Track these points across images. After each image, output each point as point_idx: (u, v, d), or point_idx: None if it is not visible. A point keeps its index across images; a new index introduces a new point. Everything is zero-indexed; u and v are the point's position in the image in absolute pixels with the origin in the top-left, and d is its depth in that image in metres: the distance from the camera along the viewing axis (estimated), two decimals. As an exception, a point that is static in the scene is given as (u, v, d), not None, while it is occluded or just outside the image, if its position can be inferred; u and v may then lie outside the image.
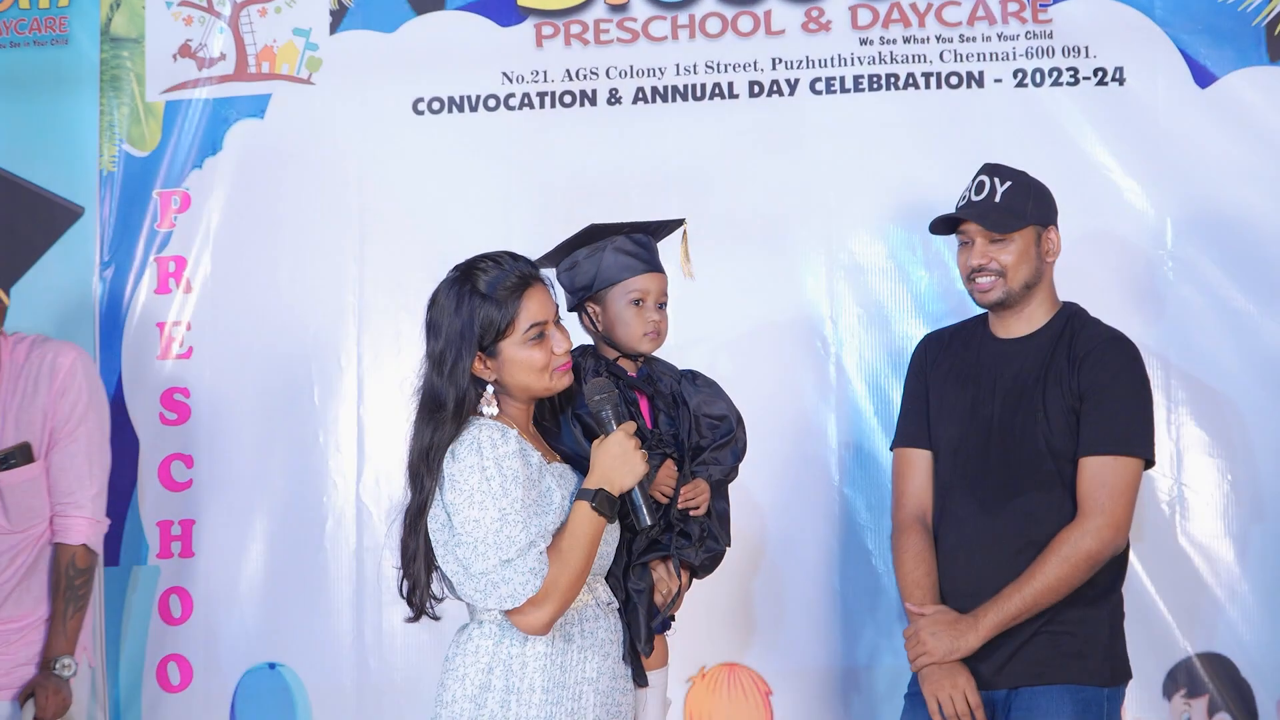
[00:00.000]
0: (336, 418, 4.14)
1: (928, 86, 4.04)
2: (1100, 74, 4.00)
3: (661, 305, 3.04)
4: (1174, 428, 3.91)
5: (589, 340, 3.18)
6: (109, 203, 4.19)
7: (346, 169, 4.15)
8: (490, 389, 2.79)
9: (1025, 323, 3.38)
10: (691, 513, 3.02)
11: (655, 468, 2.96)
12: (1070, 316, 3.39)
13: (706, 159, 4.07)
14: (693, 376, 3.13)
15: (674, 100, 4.11)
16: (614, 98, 4.12)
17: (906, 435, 3.46)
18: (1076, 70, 4.01)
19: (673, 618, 3.07)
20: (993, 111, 4.01)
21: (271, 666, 4.09)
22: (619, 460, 2.77)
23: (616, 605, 2.91)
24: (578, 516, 2.75)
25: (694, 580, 3.11)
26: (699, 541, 3.03)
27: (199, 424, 4.15)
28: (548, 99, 4.13)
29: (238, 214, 4.18)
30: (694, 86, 4.11)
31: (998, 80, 4.03)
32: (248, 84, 4.20)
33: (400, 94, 4.15)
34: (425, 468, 2.74)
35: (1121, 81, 4.00)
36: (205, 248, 4.20)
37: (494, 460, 2.70)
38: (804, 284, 4.07)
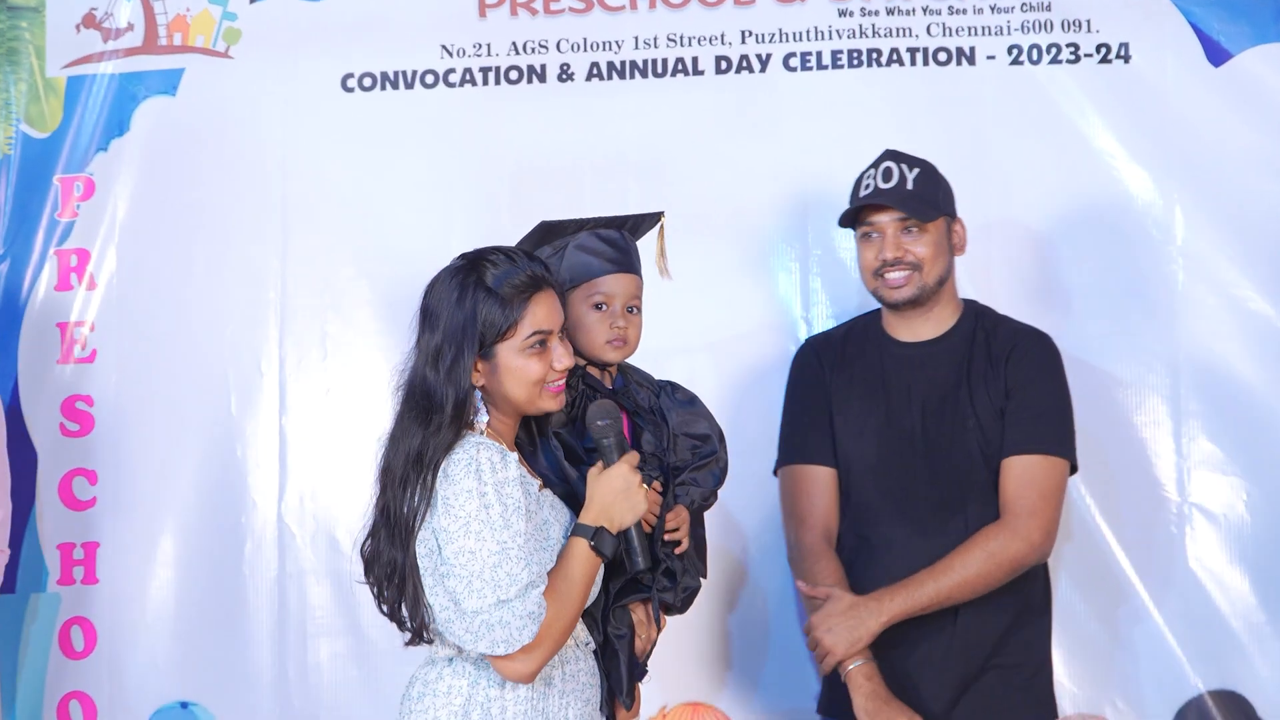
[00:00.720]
0: (256, 429, 4.09)
1: (913, 63, 4.01)
2: (1104, 51, 3.98)
3: (632, 310, 3.01)
4: (1184, 442, 3.89)
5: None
6: (4, 189, 4.13)
7: (268, 153, 4.10)
8: (478, 395, 2.75)
9: (933, 324, 3.41)
10: (676, 549, 2.99)
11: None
12: (978, 314, 3.44)
13: (668, 143, 4.03)
14: (672, 389, 3.10)
15: (633, 77, 4.06)
16: (566, 74, 4.08)
17: (803, 450, 3.43)
18: (1077, 46, 3.98)
19: (646, 659, 3.06)
20: (985, 92, 3.98)
21: (184, 705, 4.03)
22: (622, 496, 2.75)
23: (594, 646, 2.90)
24: (575, 556, 2.72)
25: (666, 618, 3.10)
26: (680, 580, 3.01)
27: (103, 436, 4.08)
28: (492, 75, 4.09)
29: (147, 202, 4.13)
30: (655, 62, 4.07)
31: (990, 57, 4.01)
32: (158, 57, 4.12)
33: (328, 69, 4.10)
34: (416, 474, 2.68)
35: (1127, 59, 3.97)
36: (111, 240, 4.13)
37: (494, 486, 2.66)
38: (776, 281, 4.04)
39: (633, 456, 2.79)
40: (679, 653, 3.84)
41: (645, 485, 2.83)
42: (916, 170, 3.38)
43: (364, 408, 3.97)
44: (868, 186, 3.38)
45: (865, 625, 3.22)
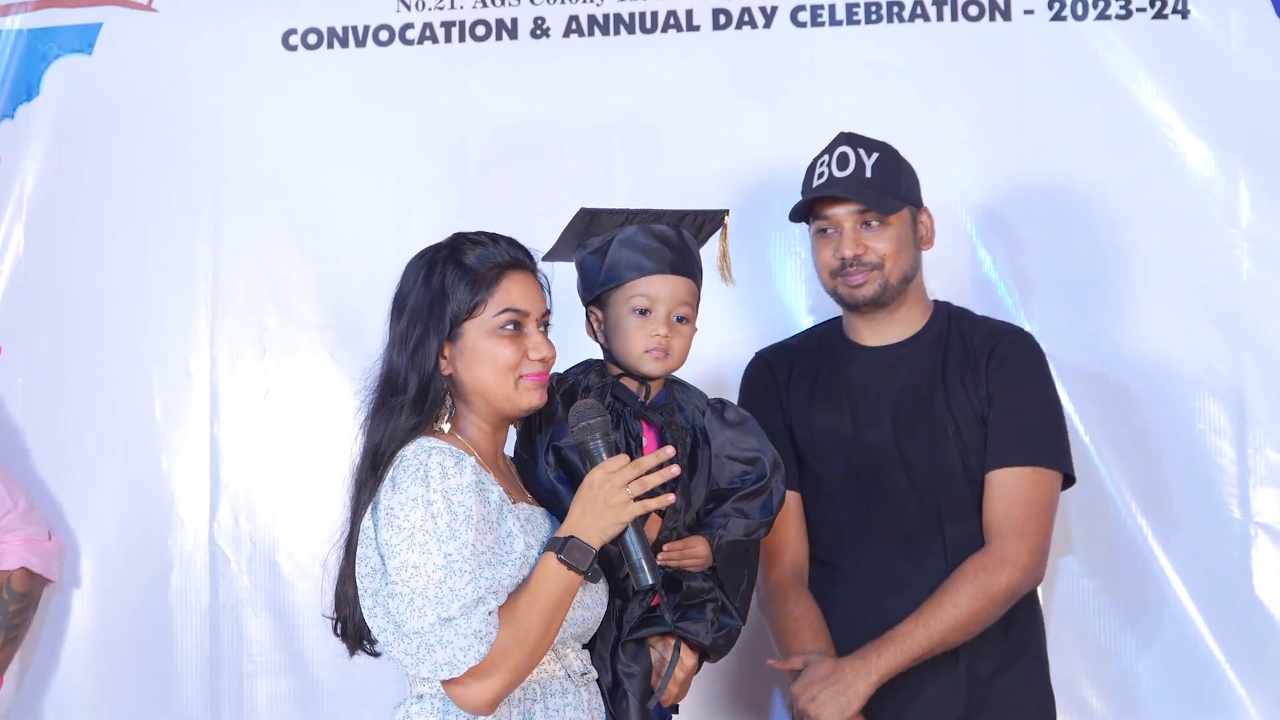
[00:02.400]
0: (184, 438, 4.10)
1: (940, 18, 3.99)
2: (1158, 5, 3.95)
3: (681, 319, 3.03)
4: (1249, 454, 3.87)
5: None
6: (-104, 162, 4.20)
7: (198, 121, 4.11)
8: (445, 387, 2.82)
9: (901, 326, 3.47)
10: (659, 558, 2.95)
11: (644, 518, 2.89)
12: (950, 314, 3.51)
13: (659, 109, 4.03)
14: (721, 408, 3.13)
15: (617, 33, 4.06)
16: (540, 29, 4.07)
17: None
18: (1129, 0, 3.96)
19: (675, 709, 3.08)
20: (1022, 51, 3.97)
21: (104, 754, 4.07)
22: (596, 503, 2.76)
23: (594, 677, 2.92)
24: (543, 571, 2.75)
25: (703, 663, 3.11)
26: (713, 618, 3.02)
27: (6, 445, 4.08)
28: (455, 31, 4.08)
29: (59, 177, 4.15)
30: (643, 15, 4.07)
31: (1029, 12, 3.98)
32: (72, 10, 4.14)
33: (267, 24, 4.12)
34: (370, 470, 2.77)
35: (1184, 14, 3.95)
36: (17, 219, 4.16)
37: (443, 493, 2.69)
38: (778, 267, 4.05)
39: (616, 459, 2.80)
40: (709, 695, 3.89)
41: (657, 492, 2.82)
42: (876, 155, 3.40)
43: (307, 413, 4.02)
44: (821, 175, 3.42)
45: (853, 689, 3.24)
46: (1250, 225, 3.90)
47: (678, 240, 3.06)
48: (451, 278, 2.81)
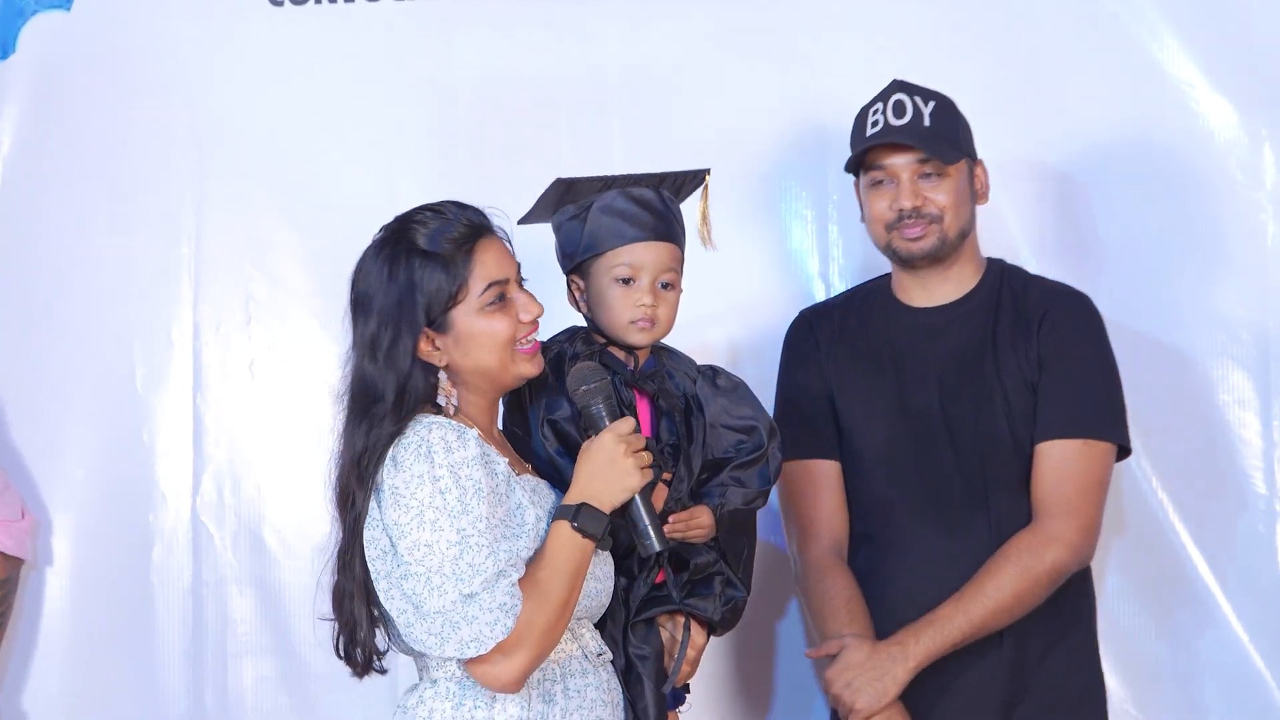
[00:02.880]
0: (166, 410, 4.07)
1: None
2: None
3: (666, 285, 3.02)
4: (1275, 425, 3.84)
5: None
6: None
7: (181, 79, 4.08)
8: (444, 376, 2.80)
9: (953, 284, 3.44)
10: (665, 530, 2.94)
11: (651, 484, 2.90)
12: (1003, 273, 3.48)
13: (660, 66, 4.00)
14: (712, 374, 3.11)
15: None
16: None
17: (800, 443, 3.42)
18: None
19: (687, 689, 3.08)
20: (1037, 7, 3.94)
21: (82, 739, 4.06)
22: (606, 467, 2.77)
23: (609, 658, 2.92)
24: (557, 540, 2.74)
25: (710, 637, 3.12)
26: (720, 591, 3.02)
27: None
28: None
29: (35, 139, 4.13)
30: None
31: None
32: None
33: None
34: (356, 480, 2.74)
35: None
36: None
37: (449, 468, 2.68)
38: (788, 232, 4.03)
39: (626, 422, 2.81)
40: (716, 678, 3.90)
41: (655, 467, 2.85)
42: (933, 104, 3.37)
43: (294, 383, 3.99)
44: (876, 124, 3.38)
45: (890, 675, 3.22)
46: (1275, 188, 3.86)
47: (659, 204, 3.03)
48: (420, 269, 2.76)
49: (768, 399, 3.56)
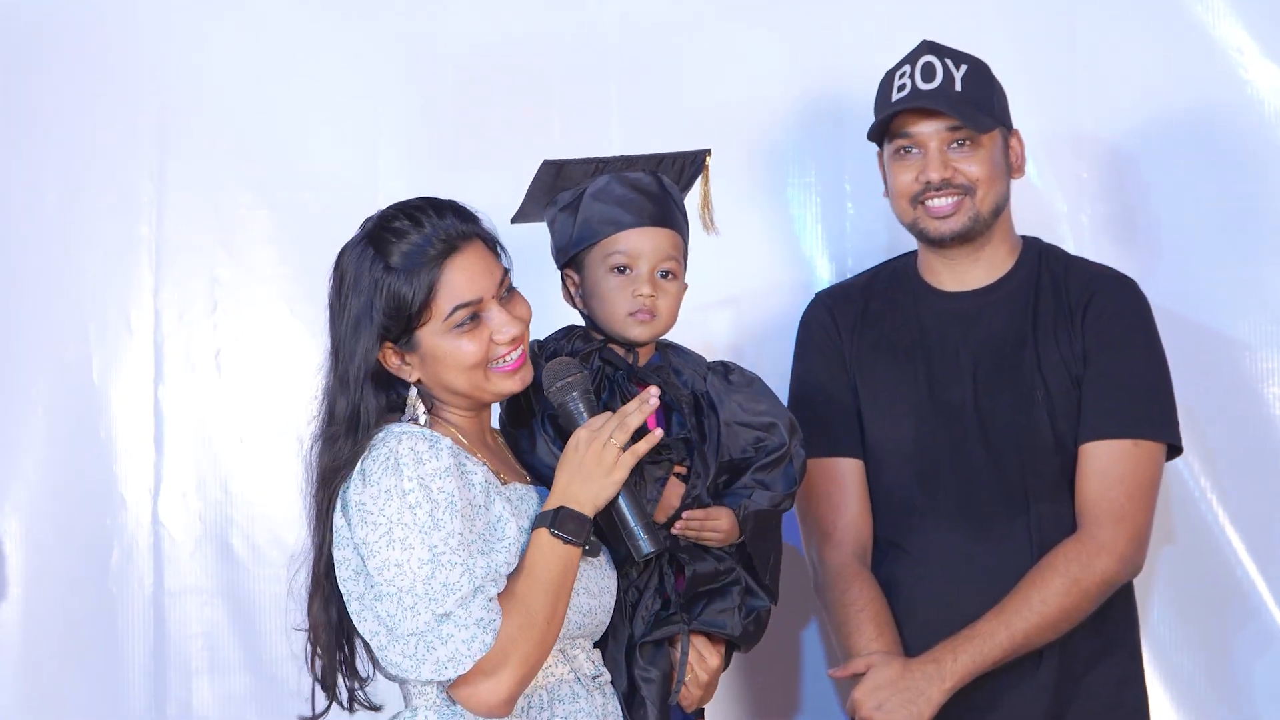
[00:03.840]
0: (125, 403, 4.02)
1: None
2: None
3: (666, 274, 3.01)
4: None
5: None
6: None
7: (141, 42, 4.03)
8: (414, 392, 2.81)
9: (986, 267, 3.38)
10: (676, 527, 2.96)
11: (660, 481, 2.94)
12: (1042, 254, 3.43)
13: (661, 34, 3.97)
14: (724, 371, 3.11)
15: None
16: None
17: (820, 439, 3.37)
18: None
19: (701, 715, 3.06)
20: None
21: (33, 762, 4.09)
22: (581, 465, 2.75)
23: (607, 679, 2.89)
24: (536, 550, 2.73)
25: (733, 654, 3.12)
26: (740, 603, 3.00)
27: None
28: None
29: None
30: None
31: None
32: None
33: None
34: (324, 505, 2.76)
35: None
36: None
37: (418, 480, 2.67)
38: (798, 212, 3.99)
39: (601, 416, 2.80)
40: (736, 678, 3.83)
41: (666, 460, 2.88)
42: (965, 67, 3.32)
43: (264, 375, 3.95)
44: (902, 88, 3.32)
45: (925, 696, 3.16)
46: (1329, 163, 3.94)
47: (656, 188, 3.01)
48: (382, 286, 2.75)
49: (780, 394, 3.49)
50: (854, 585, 3.30)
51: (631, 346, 3.03)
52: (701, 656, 2.95)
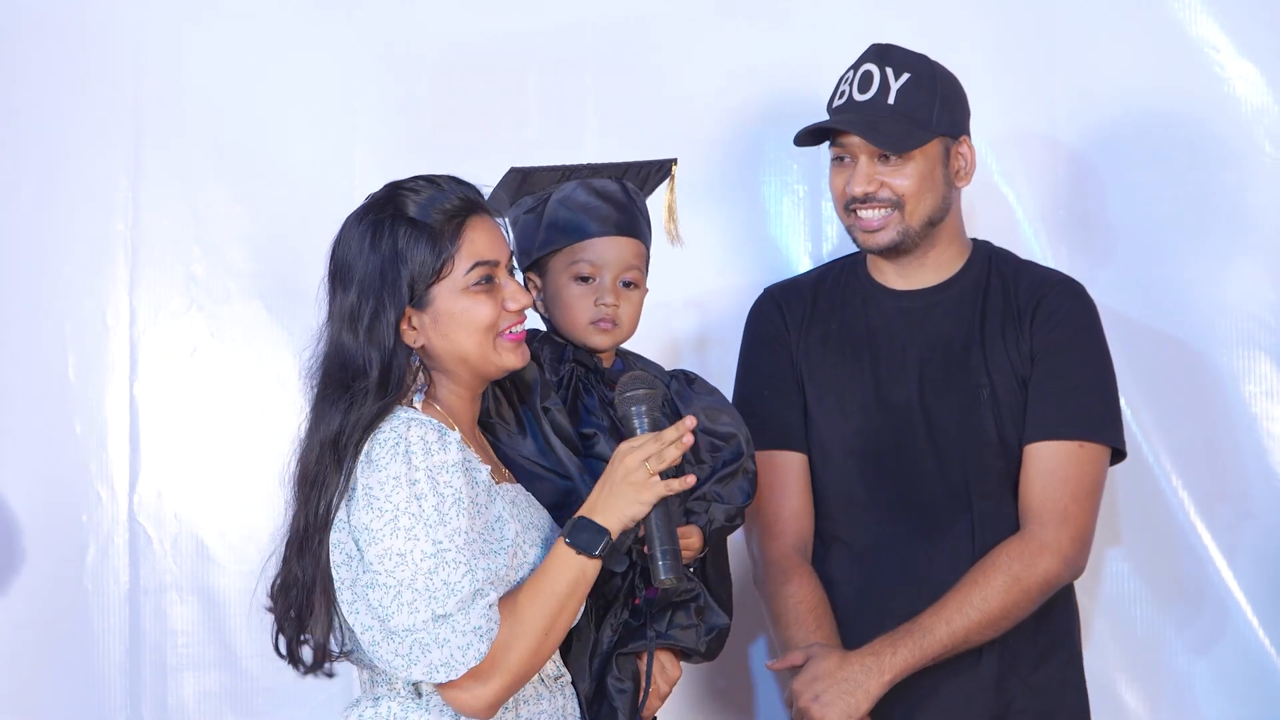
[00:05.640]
0: (100, 400, 4.03)
1: None
2: None
3: (628, 284, 3.04)
4: None
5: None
6: None
7: (115, 36, 4.02)
8: (415, 360, 2.79)
9: (933, 269, 3.40)
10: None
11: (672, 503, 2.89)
12: (991, 256, 3.44)
13: (637, 32, 3.98)
14: (687, 379, 3.13)
15: None
16: None
17: (765, 432, 3.36)
18: None
19: None
20: None
21: (8, 759, 4.06)
22: (617, 479, 2.74)
23: (568, 680, 2.91)
24: (552, 558, 2.73)
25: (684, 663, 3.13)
26: (698, 618, 3.01)
27: None
28: None
29: None
30: None
31: None
32: None
33: None
34: (332, 462, 2.70)
35: None
36: None
37: (427, 471, 2.65)
38: (773, 206, 4.00)
39: (669, 431, 2.76)
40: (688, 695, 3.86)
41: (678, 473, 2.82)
42: (906, 76, 3.30)
43: (240, 371, 3.95)
44: (841, 94, 3.36)
45: (863, 688, 3.16)
46: (1309, 162, 3.92)
47: (623, 196, 3.03)
48: (405, 238, 2.74)
49: (728, 386, 3.58)
50: (793, 578, 3.31)
51: (591, 353, 3.05)
52: (664, 668, 2.96)
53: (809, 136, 3.35)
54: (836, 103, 3.33)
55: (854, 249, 3.72)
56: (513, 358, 2.79)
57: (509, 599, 2.69)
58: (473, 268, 2.74)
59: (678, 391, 3.06)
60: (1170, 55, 3.84)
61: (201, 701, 3.91)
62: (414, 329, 2.76)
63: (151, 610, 3.96)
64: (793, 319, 3.44)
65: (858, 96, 3.29)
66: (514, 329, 2.79)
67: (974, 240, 3.45)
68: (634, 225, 3.02)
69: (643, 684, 2.95)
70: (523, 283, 3.01)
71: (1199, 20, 3.84)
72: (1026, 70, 3.82)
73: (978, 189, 3.70)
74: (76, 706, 3.95)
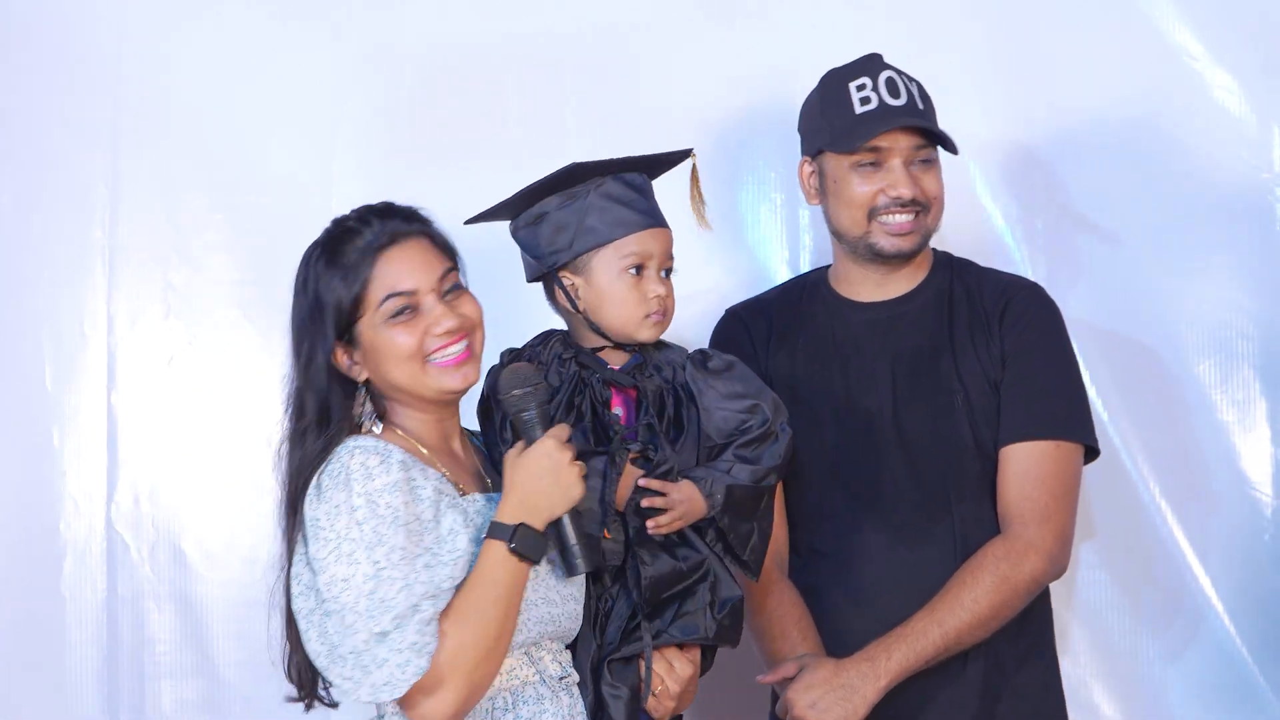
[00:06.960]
0: (78, 408, 4.02)
1: None
2: None
3: (667, 272, 3.06)
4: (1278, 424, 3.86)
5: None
6: None
7: (94, 42, 4.02)
8: (361, 392, 2.86)
9: (903, 279, 3.43)
10: (649, 524, 2.94)
11: (616, 473, 2.93)
12: (953, 265, 3.48)
13: (617, 37, 3.99)
14: (702, 359, 3.12)
15: None
16: None
17: None
18: None
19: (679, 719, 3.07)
20: None
21: (-14, 770, 4.02)
22: (547, 478, 2.76)
23: (575, 680, 2.91)
24: (488, 563, 2.73)
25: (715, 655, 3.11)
26: (710, 600, 2.99)
27: None
28: None
29: None
30: None
31: None
32: None
33: None
34: (288, 499, 2.81)
35: None
36: None
37: (365, 496, 2.70)
38: (750, 216, 4.02)
39: (560, 430, 2.80)
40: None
41: (644, 459, 2.88)
42: (916, 85, 3.37)
43: (218, 381, 3.95)
44: (867, 100, 3.33)
45: (860, 694, 3.17)
46: (1285, 169, 3.91)
47: (649, 188, 3.05)
48: (324, 279, 2.82)
49: None
50: (773, 592, 3.32)
51: (631, 348, 3.05)
52: (671, 667, 2.95)
53: (845, 142, 3.32)
54: (865, 108, 3.31)
55: (828, 260, 3.68)
56: (448, 380, 2.80)
57: (453, 607, 2.70)
58: (386, 300, 2.78)
59: (692, 376, 3.05)
60: (1149, 65, 3.85)
61: (179, 710, 3.90)
62: (356, 364, 2.81)
63: (129, 618, 3.95)
64: (759, 336, 3.47)
65: (891, 102, 3.30)
66: (446, 350, 2.80)
67: (934, 250, 3.48)
68: (662, 215, 3.04)
69: (641, 688, 2.94)
70: (550, 287, 3.03)
71: (1177, 29, 3.85)
72: (1005, 81, 3.82)
73: (958, 199, 3.69)
74: (54, 715, 3.94)
